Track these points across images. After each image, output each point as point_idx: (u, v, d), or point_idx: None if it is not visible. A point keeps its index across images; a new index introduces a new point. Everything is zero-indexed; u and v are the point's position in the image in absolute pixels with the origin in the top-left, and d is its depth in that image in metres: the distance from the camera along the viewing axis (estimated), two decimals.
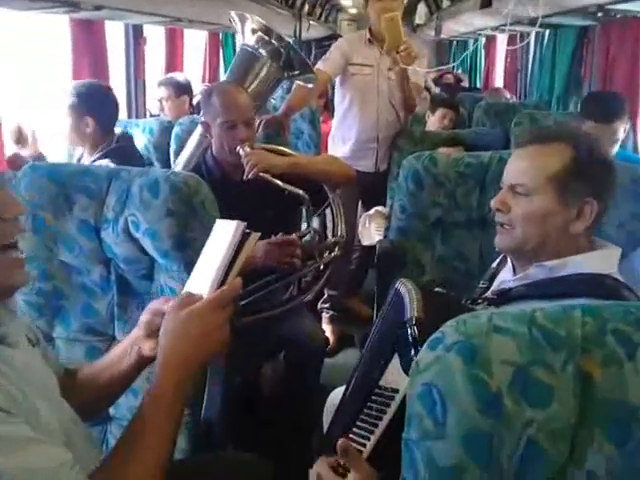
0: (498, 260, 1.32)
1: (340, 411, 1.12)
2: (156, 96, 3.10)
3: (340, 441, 0.88)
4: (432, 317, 0.89)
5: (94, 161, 1.95)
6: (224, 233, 0.88)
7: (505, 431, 0.58)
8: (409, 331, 0.88)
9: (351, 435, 0.94)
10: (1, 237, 0.74)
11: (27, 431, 0.69)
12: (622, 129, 1.98)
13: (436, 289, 1.18)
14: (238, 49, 2.32)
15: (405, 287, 1.00)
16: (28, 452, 0.67)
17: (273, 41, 2.16)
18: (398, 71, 2.44)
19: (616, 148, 2.00)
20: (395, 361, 0.91)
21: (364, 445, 0.91)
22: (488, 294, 1.19)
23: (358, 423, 0.94)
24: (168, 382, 0.81)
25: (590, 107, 2.10)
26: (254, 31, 2.18)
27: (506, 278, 1.19)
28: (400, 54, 2.33)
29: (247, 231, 0.86)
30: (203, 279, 0.88)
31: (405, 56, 2.34)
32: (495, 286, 1.22)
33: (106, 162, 1.90)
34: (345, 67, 2.65)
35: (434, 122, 3.37)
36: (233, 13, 2.25)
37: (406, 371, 0.86)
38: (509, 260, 1.22)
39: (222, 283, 0.86)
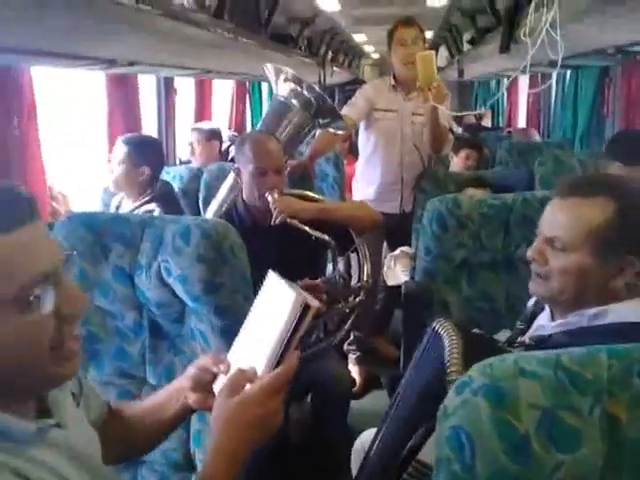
0: (534, 300, 1.30)
1: (374, 461, 1.09)
2: (188, 141, 3.22)
3: None
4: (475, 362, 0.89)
5: (140, 205, 2.05)
6: (282, 302, 0.81)
7: (534, 475, 0.58)
8: None
9: None
10: (57, 337, 0.69)
11: None
12: None
13: (474, 331, 1.16)
14: (272, 99, 2.41)
15: (446, 331, 0.98)
16: None
17: (305, 92, 2.24)
18: (429, 110, 2.47)
19: None
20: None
21: None
22: (525, 339, 1.16)
23: None
24: (219, 471, 0.79)
25: (617, 148, 2.04)
26: (287, 82, 2.27)
27: (544, 324, 1.17)
28: (432, 92, 2.36)
29: (309, 303, 0.80)
30: (255, 349, 0.84)
31: (436, 94, 2.36)
32: (533, 330, 1.20)
33: (153, 206, 2.01)
34: (369, 112, 2.71)
35: (458, 163, 3.38)
36: (269, 65, 2.35)
37: None
38: (547, 305, 1.20)
39: (278, 361, 0.81)
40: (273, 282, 0.88)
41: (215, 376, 0.92)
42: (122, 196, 2.22)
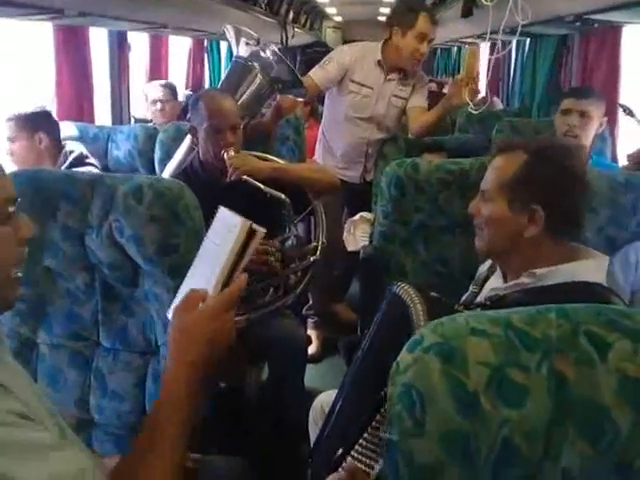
0: (488, 265, 1.34)
1: (335, 421, 1.10)
2: (154, 96, 3.07)
3: (348, 463, 0.89)
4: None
5: None
6: (229, 229, 0.87)
7: (482, 430, 0.59)
8: None
9: (354, 454, 0.93)
10: (15, 259, 0.79)
11: (48, 438, 0.70)
12: (594, 111, 2.00)
13: (431, 294, 1.19)
14: (232, 61, 2.33)
15: (407, 294, 1.00)
16: (52, 458, 0.68)
17: (266, 55, 2.18)
18: (456, 104, 2.40)
19: (590, 131, 2.02)
20: None
21: (370, 467, 0.90)
22: (481, 300, 1.21)
23: (362, 442, 0.93)
24: (178, 386, 0.82)
25: (568, 91, 2.28)
26: (247, 44, 2.20)
27: (497, 285, 1.21)
28: (470, 86, 2.29)
29: (253, 228, 0.86)
30: (207, 274, 0.88)
31: (471, 91, 2.30)
32: (486, 292, 1.24)
33: None
34: (342, 80, 2.60)
35: None
36: (229, 26, 2.27)
37: None
38: (498, 268, 1.24)
39: (227, 282, 0.86)
40: (223, 216, 0.92)
41: None
42: None
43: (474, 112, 2.36)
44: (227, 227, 0.88)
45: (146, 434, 0.80)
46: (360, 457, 0.92)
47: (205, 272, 0.89)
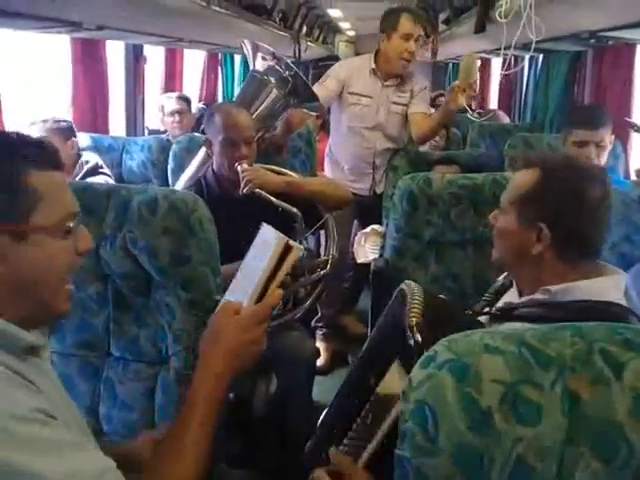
0: (503, 276, 1.33)
1: (326, 424, 1.10)
2: (172, 108, 3.09)
3: (332, 452, 0.89)
4: (435, 321, 0.91)
5: None
6: (267, 244, 0.90)
7: (495, 448, 0.59)
8: (411, 338, 0.87)
9: (342, 447, 0.92)
10: (72, 269, 0.83)
11: (71, 437, 0.72)
12: (607, 137, 2.01)
13: (440, 295, 1.18)
14: (248, 75, 2.38)
15: (409, 288, 1.01)
16: (72, 457, 0.70)
17: (281, 69, 2.21)
18: (454, 108, 2.43)
19: (605, 156, 2.03)
20: (394, 368, 0.89)
21: (359, 455, 0.88)
22: (493, 309, 1.20)
23: (351, 434, 0.92)
24: (207, 390, 0.85)
25: (576, 116, 2.19)
26: (264, 58, 2.24)
27: (511, 300, 1.20)
28: (466, 92, 2.31)
29: (289, 244, 0.88)
30: (244, 288, 0.91)
31: (469, 94, 2.33)
32: (500, 304, 1.23)
33: None
34: (341, 94, 2.64)
35: None
36: (246, 41, 2.32)
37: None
38: (514, 284, 1.23)
39: (262, 295, 0.89)
40: (265, 231, 0.95)
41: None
42: None
43: (474, 119, 2.37)
44: (265, 243, 0.91)
45: (168, 440, 0.84)
46: (347, 449, 0.91)
47: (243, 286, 0.92)
